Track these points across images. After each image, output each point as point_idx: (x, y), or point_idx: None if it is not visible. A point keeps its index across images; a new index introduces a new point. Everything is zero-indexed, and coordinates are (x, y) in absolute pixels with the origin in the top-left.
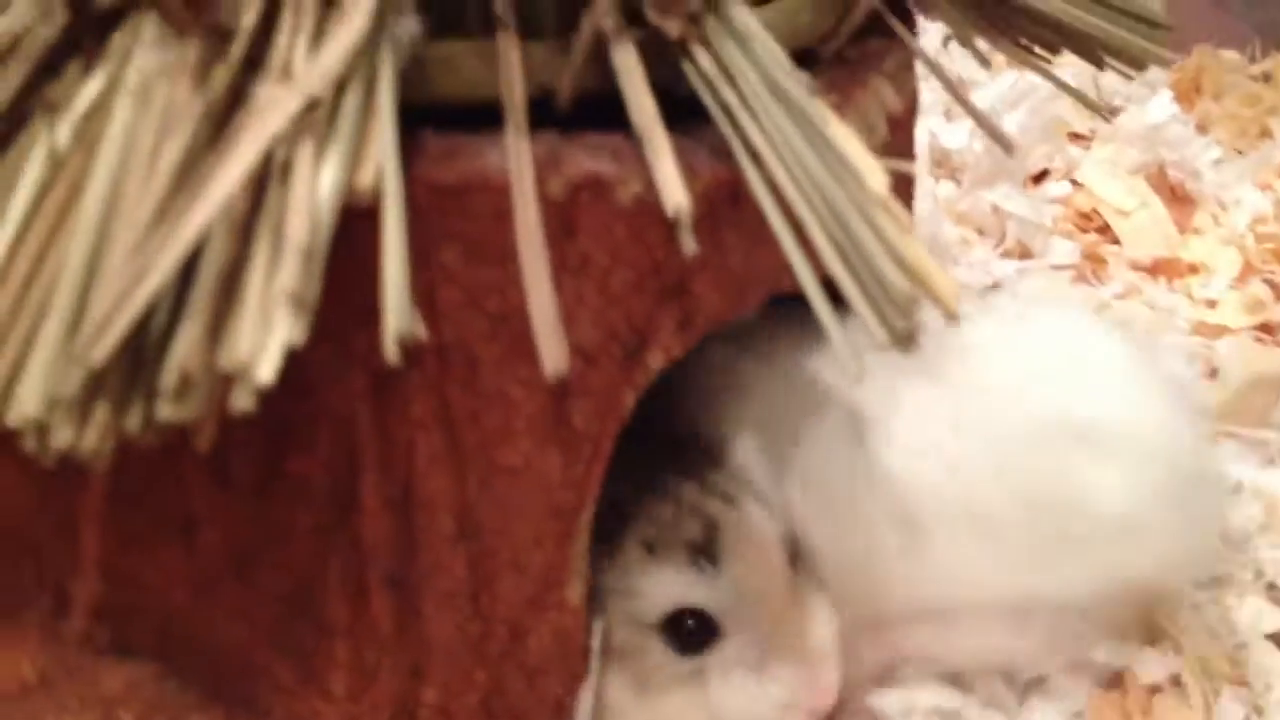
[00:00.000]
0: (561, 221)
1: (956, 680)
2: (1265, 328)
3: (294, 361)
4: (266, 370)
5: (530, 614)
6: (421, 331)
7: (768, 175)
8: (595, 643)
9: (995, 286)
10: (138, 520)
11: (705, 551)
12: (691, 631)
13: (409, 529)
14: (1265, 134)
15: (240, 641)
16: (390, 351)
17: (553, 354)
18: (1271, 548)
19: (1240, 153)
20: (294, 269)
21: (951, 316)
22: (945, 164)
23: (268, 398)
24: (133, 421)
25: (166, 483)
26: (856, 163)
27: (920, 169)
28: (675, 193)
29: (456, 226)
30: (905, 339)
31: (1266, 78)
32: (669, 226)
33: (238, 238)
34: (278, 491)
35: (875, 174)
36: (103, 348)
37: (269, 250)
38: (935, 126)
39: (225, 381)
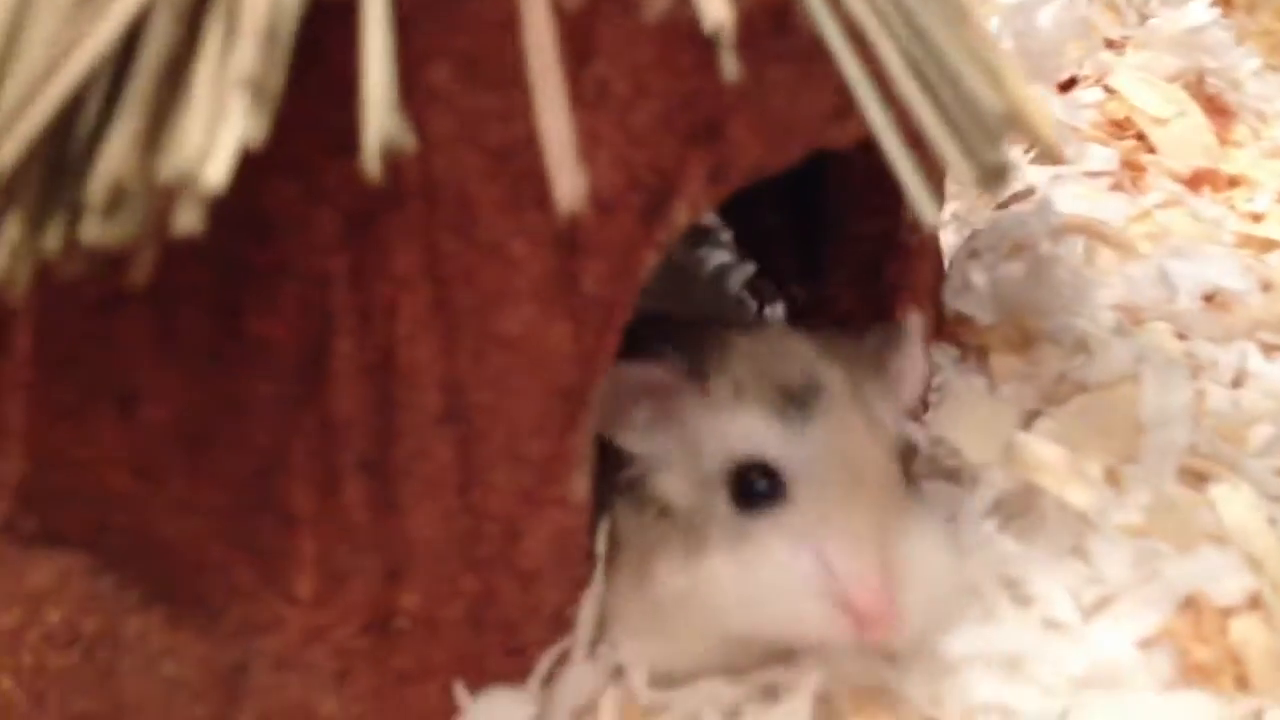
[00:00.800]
0: (575, 40)
1: (1016, 597)
2: None
3: (254, 199)
4: (217, 171)
5: (527, 511)
6: (410, 142)
7: None
8: (601, 546)
9: (1029, 192)
10: (69, 390)
11: (798, 401)
12: (758, 490)
13: (388, 406)
14: None
15: (189, 534)
16: (371, 164)
17: (569, 186)
18: None
19: (1274, 69)
20: (252, 51)
21: (1051, 153)
22: None
23: (223, 242)
24: (51, 241)
25: (102, 344)
26: None
27: None
28: (715, 5)
29: (450, 40)
30: (995, 174)
31: None
32: (703, 51)
33: (184, 20)
34: (234, 357)
35: None
36: (12, 147)
37: (222, 34)
38: None
39: (167, 198)
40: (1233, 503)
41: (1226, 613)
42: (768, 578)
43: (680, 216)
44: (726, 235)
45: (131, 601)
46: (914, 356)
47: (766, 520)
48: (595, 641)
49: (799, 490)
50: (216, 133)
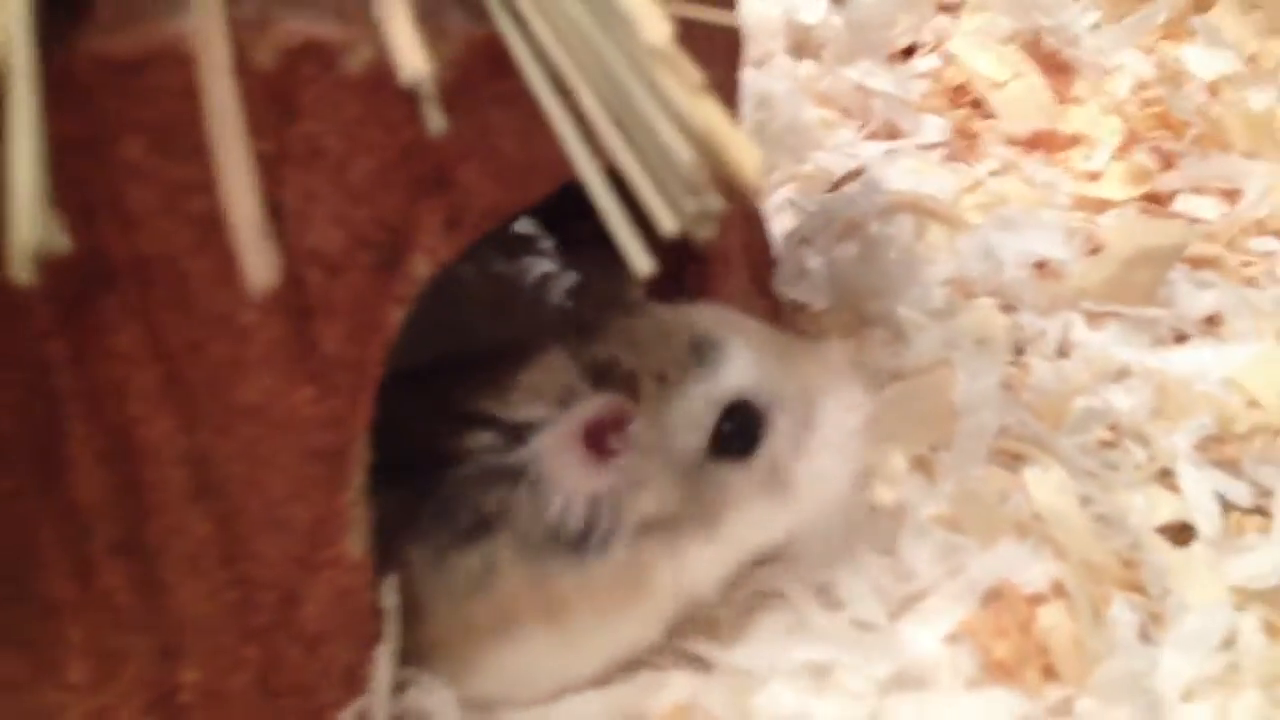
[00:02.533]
0: (277, 100)
1: (825, 599)
2: (1152, 197)
3: None
4: None
5: (302, 575)
6: (62, 242)
7: (528, 32)
8: (389, 601)
9: (860, 171)
10: None
11: (705, 346)
12: (739, 429)
13: (133, 486)
14: None
15: None
16: (19, 270)
17: (257, 263)
18: (1164, 433)
19: (1114, 20)
20: None
21: (753, 189)
22: (805, 42)
23: None
24: None
25: None
26: (630, 10)
27: (776, 46)
28: (411, 56)
29: (139, 112)
30: (697, 221)
31: None
32: (416, 102)
33: None
34: None
35: (654, 23)
36: None
37: None
38: (791, 1)
39: None
40: (1043, 485)
41: (1033, 601)
42: (819, 472)
43: (419, 268)
44: (548, 244)
45: None
46: None
47: (773, 442)
48: (397, 691)
49: (766, 399)
50: None
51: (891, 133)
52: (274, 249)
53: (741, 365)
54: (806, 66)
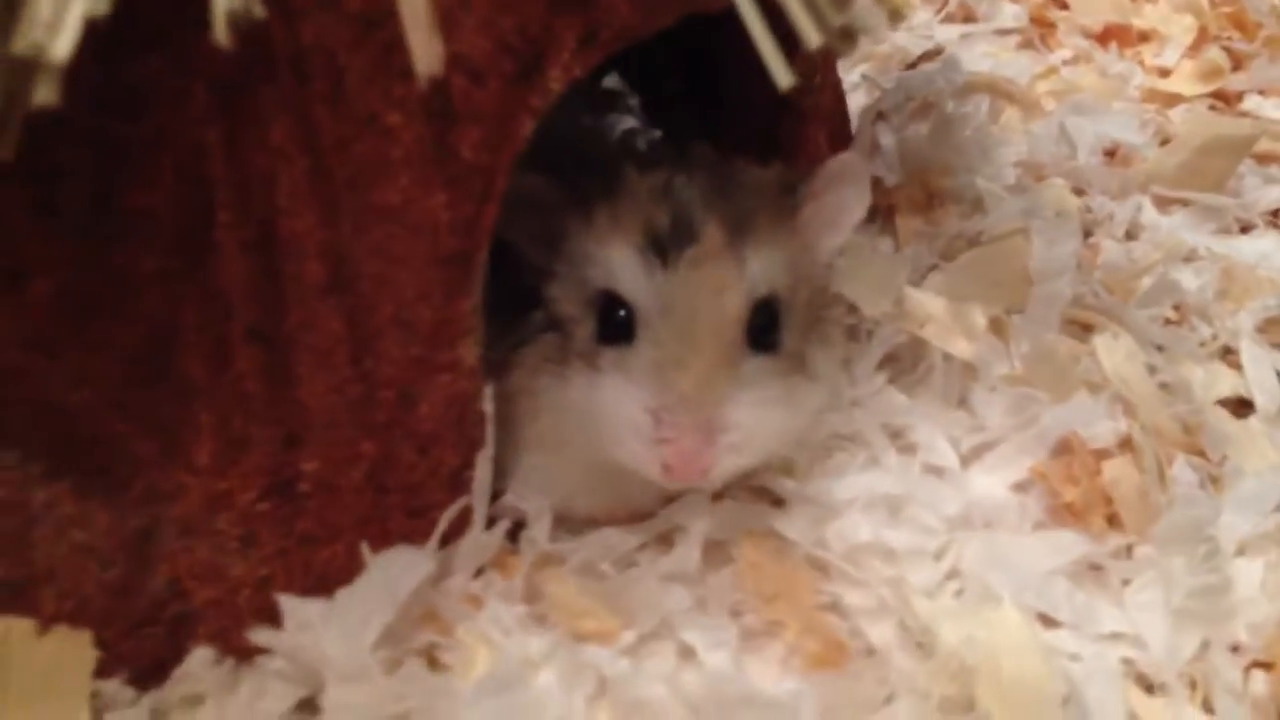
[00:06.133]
0: None
1: (900, 445)
2: (1220, 95)
3: (125, 74)
4: (64, 43)
5: (420, 377)
6: (259, 9)
7: None
8: (489, 407)
9: (937, 51)
10: None
11: (660, 247)
12: (616, 322)
13: (273, 276)
14: None
15: (88, 406)
16: (220, 33)
17: (425, 52)
18: (1228, 314)
19: None
20: None
21: (896, 16)
22: None
23: (98, 118)
24: None
25: None
26: None
27: None
28: None
29: None
30: (842, 37)
31: None
32: None
33: None
34: (116, 231)
35: None
36: None
37: None
38: None
39: (26, 73)
40: (1113, 351)
41: (1099, 455)
42: (607, 411)
43: (554, 82)
44: (634, 101)
45: (37, 473)
46: (846, 194)
47: (614, 355)
48: (496, 496)
49: (645, 333)
50: (64, 7)
51: (968, 16)
52: (439, 38)
53: (652, 280)
54: None
